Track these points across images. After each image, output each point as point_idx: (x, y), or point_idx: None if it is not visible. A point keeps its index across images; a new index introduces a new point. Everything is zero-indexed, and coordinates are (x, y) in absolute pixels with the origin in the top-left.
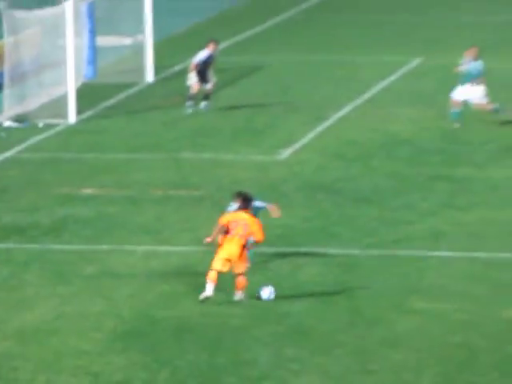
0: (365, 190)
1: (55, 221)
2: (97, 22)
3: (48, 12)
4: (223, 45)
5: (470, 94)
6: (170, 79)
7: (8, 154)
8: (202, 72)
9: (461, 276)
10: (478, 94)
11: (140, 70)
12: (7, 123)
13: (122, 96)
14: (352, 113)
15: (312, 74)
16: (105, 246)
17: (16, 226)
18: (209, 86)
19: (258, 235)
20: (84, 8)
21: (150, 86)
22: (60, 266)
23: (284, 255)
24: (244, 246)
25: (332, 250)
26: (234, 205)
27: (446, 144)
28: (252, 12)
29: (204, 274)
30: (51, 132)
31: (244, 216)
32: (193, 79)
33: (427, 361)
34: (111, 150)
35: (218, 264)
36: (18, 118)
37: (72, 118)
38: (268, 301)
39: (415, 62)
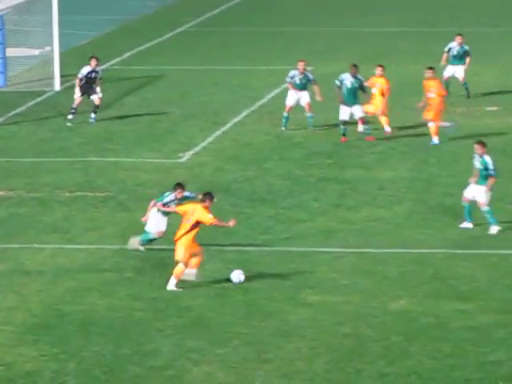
0: (260, 191)
1: None
2: (6, 34)
3: None
4: (125, 55)
5: (300, 99)
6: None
7: None
8: (85, 86)
9: (350, 270)
10: (304, 98)
11: (48, 79)
12: None
13: (30, 103)
14: (247, 118)
15: (209, 83)
16: (16, 245)
17: None
18: (95, 100)
19: (203, 218)
20: None
21: (57, 94)
22: None
23: None
24: (189, 232)
25: (229, 248)
26: (171, 195)
27: (336, 147)
28: (151, 25)
29: (108, 270)
30: None
31: (192, 206)
32: (77, 93)
33: (318, 350)
34: (21, 155)
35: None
36: None
37: None
38: (238, 283)
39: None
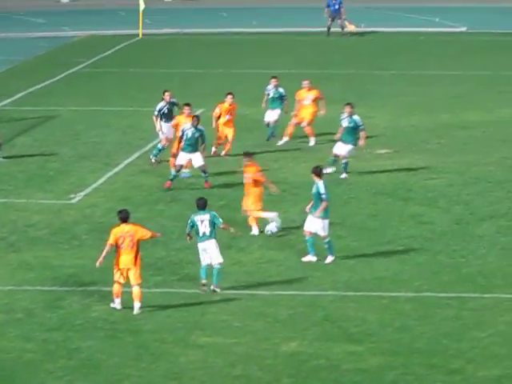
0: None
1: None
2: None
3: None
4: (16, 96)
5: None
6: None
7: None
8: None
9: (241, 312)
10: (168, 131)
11: None
12: None
13: None
14: (139, 159)
15: (101, 123)
16: None
17: None
18: None
19: (145, 235)
20: None
21: None
22: None
23: (75, 294)
24: (136, 255)
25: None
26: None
27: (228, 189)
28: (43, 66)
29: (2, 312)
30: None
31: (126, 228)
32: None
33: None
34: None
35: (117, 276)
36: None
37: None
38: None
39: (198, 112)
